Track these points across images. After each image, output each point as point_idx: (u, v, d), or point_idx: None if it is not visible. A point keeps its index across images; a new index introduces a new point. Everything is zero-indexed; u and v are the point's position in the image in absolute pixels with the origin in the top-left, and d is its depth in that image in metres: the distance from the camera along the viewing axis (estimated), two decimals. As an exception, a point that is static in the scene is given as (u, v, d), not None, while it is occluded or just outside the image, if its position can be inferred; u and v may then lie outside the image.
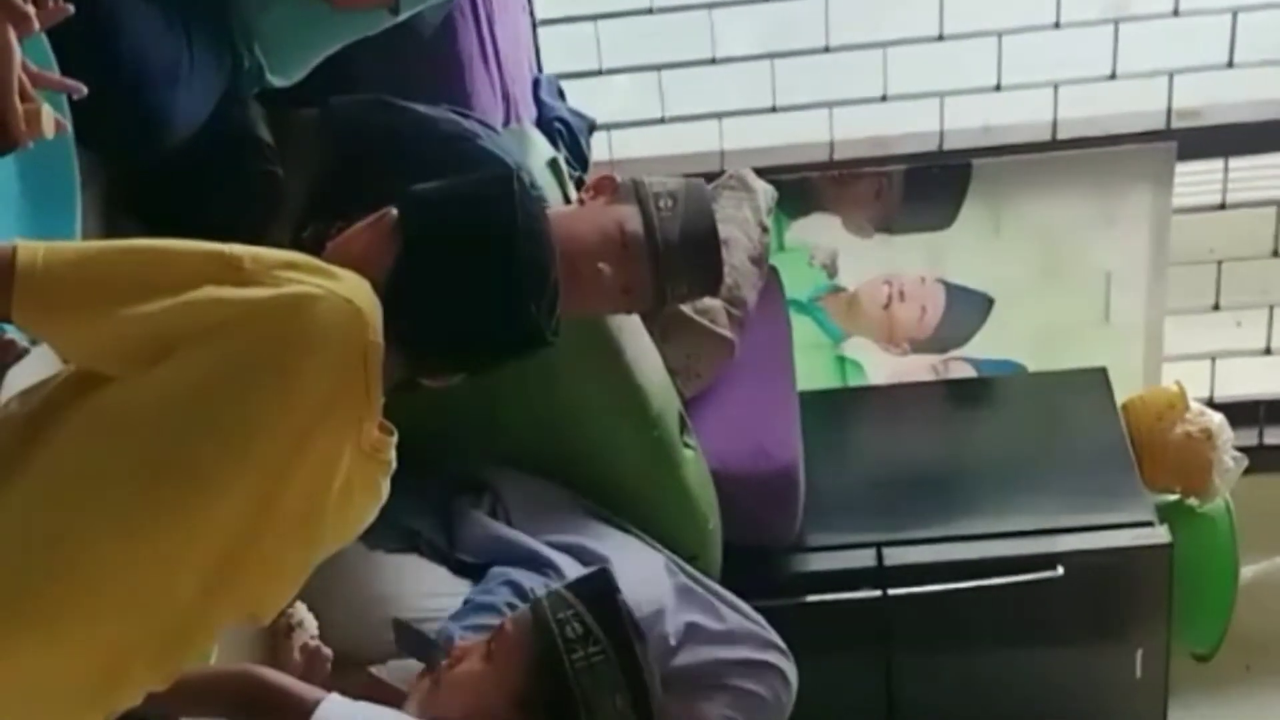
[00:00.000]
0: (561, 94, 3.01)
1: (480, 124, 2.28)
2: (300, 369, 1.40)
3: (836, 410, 3.32)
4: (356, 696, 1.80)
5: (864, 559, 2.85)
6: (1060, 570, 2.80)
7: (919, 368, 3.44)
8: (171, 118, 1.87)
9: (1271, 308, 3.44)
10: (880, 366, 3.44)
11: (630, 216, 2.16)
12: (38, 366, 1.58)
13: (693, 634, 2.36)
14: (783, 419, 2.85)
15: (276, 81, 2.07)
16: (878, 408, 3.38)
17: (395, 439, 1.53)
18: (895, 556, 2.85)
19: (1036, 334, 3.40)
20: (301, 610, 2.05)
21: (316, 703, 1.71)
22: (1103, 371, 3.27)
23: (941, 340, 3.42)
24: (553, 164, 2.51)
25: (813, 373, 3.33)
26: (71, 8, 1.43)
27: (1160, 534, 2.87)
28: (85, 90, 1.45)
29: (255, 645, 1.99)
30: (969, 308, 3.39)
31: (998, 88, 3.25)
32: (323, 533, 1.51)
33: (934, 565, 2.82)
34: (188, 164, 1.95)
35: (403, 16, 2.10)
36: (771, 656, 2.40)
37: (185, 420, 1.37)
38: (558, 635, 1.84)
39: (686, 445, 2.55)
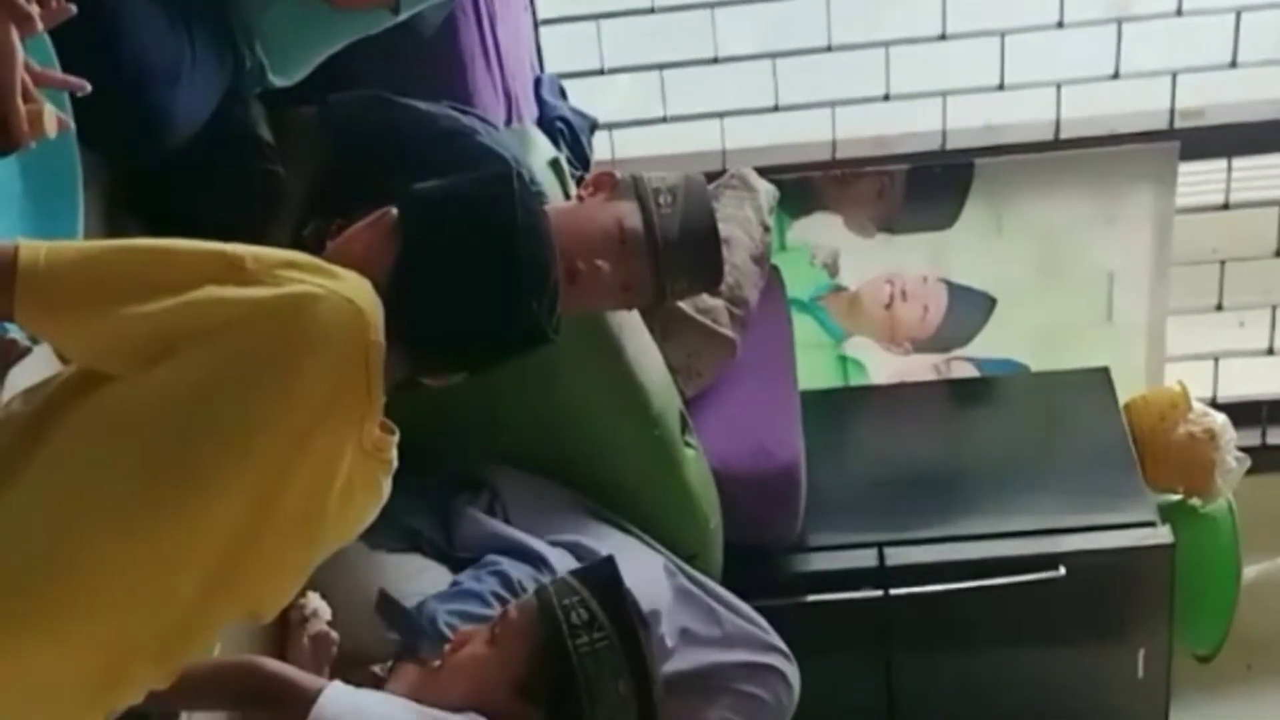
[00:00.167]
0: (563, 93, 3.01)
1: (479, 120, 2.27)
2: (301, 368, 1.40)
3: (838, 410, 3.32)
4: (357, 693, 1.80)
5: (865, 559, 2.85)
6: (1062, 570, 2.80)
7: (921, 367, 3.44)
8: (173, 117, 1.88)
9: (1274, 308, 3.44)
10: (882, 366, 3.44)
11: (629, 213, 2.16)
12: (40, 366, 1.58)
13: (690, 637, 2.36)
14: (784, 418, 2.85)
15: (278, 81, 2.07)
16: (879, 407, 3.38)
17: (397, 438, 1.53)
18: (897, 556, 2.85)
19: (1038, 334, 3.40)
20: (315, 600, 2.05)
21: (319, 691, 1.72)
22: (1105, 371, 3.27)
23: (943, 340, 3.42)
24: (554, 163, 2.51)
25: (814, 372, 3.33)
26: (74, 7, 1.43)
27: (1162, 534, 2.87)
28: (88, 87, 1.45)
29: (265, 633, 1.99)
30: (971, 307, 3.38)
31: (1000, 87, 3.24)
32: (324, 532, 1.51)
33: (936, 565, 2.82)
34: (189, 163, 1.95)
35: (403, 16, 2.10)
36: (772, 659, 2.40)
37: (186, 420, 1.37)
38: (563, 620, 1.86)
39: (687, 444, 2.55)
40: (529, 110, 2.77)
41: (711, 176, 3.08)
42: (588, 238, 2.11)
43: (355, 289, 1.45)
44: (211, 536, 1.40)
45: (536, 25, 3.16)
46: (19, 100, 1.34)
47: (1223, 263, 3.36)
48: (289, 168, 2.10)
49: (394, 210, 1.57)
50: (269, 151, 2.09)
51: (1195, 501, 3.20)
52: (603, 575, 1.93)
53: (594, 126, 2.96)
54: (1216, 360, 3.44)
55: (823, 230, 3.34)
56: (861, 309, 3.41)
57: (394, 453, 1.54)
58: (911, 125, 3.30)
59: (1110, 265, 3.35)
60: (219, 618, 1.49)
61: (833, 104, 3.27)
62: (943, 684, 2.94)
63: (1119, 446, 3.09)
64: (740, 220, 2.94)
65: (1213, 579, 3.12)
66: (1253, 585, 3.23)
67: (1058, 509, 2.94)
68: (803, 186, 3.27)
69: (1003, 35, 3.19)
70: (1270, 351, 3.47)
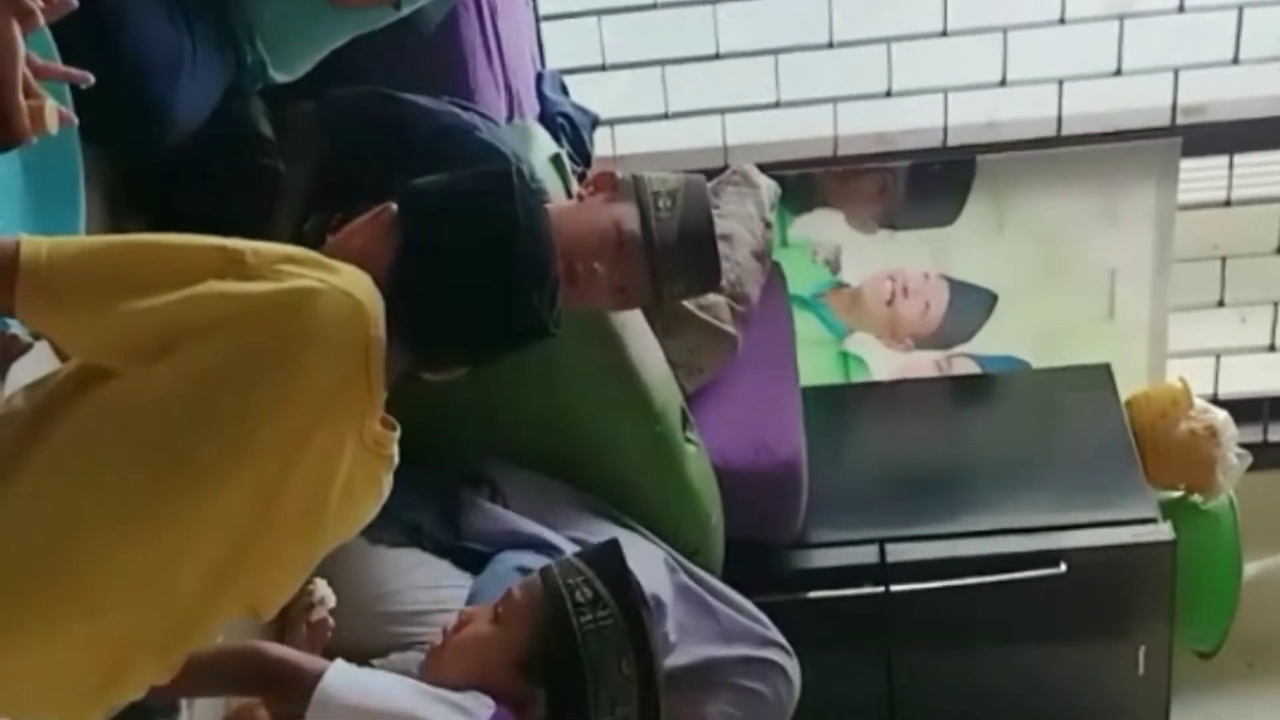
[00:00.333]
0: (564, 89, 3.01)
1: (480, 116, 2.27)
2: (302, 364, 1.40)
3: (839, 406, 3.32)
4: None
5: (866, 555, 2.85)
6: (1063, 567, 2.80)
7: (922, 364, 3.44)
8: (173, 112, 1.88)
9: (1276, 304, 3.44)
10: (883, 362, 3.44)
11: (628, 216, 2.15)
12: (41, 362, 1.58)
13: (689, 632, 2.36)
14: (785, 414, 2.85)
15: (279, 77, 2.07)
16: (881, 404, 3.38)
17: (398, 434, 1.53)
18: (898, 553, 2.85)
19: (1040, 330, 3.40)
20: (323, 587, 2.05)
21: (322, 672, 1.73)
22: (1106, 368, 3.27)
23: (945, 336, 3.42)
24: (556, 159, 2.51)
25: (816, 368, 3.32)
26: (75, 2, 1.42)
27: (1164, 531, 2.87)
28: (91, 79, 1.44)
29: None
30: (972, 304, 3.38)
31: (1002, 83, 3.24)
32: (325, 528, 1.51)
33: (937, 561, 2.82)
34: (190, 159, 1.95)
35: (405, 12, 2.10)
36: (772, 654, 2.40)
37: (187, 416, 1.38)
38: (567, 599, 1.86)
39: (689, 440, 2.55)
40: (530, 106, 2.77)
41: (713, 173, 3.08)
42: (585, 239, 2.11)
43: (356, 284, 1.45)
44: (212, 532, 1.41)
45: (538, 20, 3.15)
46: (20, 96, 1.34)
47: (1224, 259, 3.36)
48: (289, 163, 2.10)
49: (393, 205, 1.57)
50: (269, 147, 2.09)
51: (1196, 498, 3.20)
52: (607, 556, 1.95)
53: (595, 122, 2.96)
54: (1218, 357, 3.44)
55: (824, 227, 3.33)
56: (863, 305, 3.40)
57: (395, 449, 1.54)
58: (913, 122, 3.30)
59: (1112, 262, 3.35)
60: (220, 614, 1.49)
61: (834, 100, 3.27)
62: (943, 680, 2.94)
63: (1120, 443, 3.08)
64: (742, 216, 2.94)
65: (1214, 576, 3.12)
66: (1254, 582, 3.23)
67: (1059, 506, 2.94)
68: (804, 183, 3.27)
69: (1004, 31, 3.19)
70: (1272, 348, 3.46)
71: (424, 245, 1.54)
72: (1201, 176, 3.31)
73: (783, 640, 2.43)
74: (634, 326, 2.43)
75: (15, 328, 1.57)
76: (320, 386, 1.42)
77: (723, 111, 3.29)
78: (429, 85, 2.28)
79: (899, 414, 3.32)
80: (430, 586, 2.23)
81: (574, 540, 2.33)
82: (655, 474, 2.50)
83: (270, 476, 1.41)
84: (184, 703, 1.82)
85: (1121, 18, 3.18)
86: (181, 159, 1.94)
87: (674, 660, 2.28)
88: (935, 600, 2.80)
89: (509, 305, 1.56)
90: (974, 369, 3.43)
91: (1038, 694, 2.96)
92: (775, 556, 2.84)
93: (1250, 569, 3.20)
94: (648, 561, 2.37)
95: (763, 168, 3.07)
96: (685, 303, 2.70)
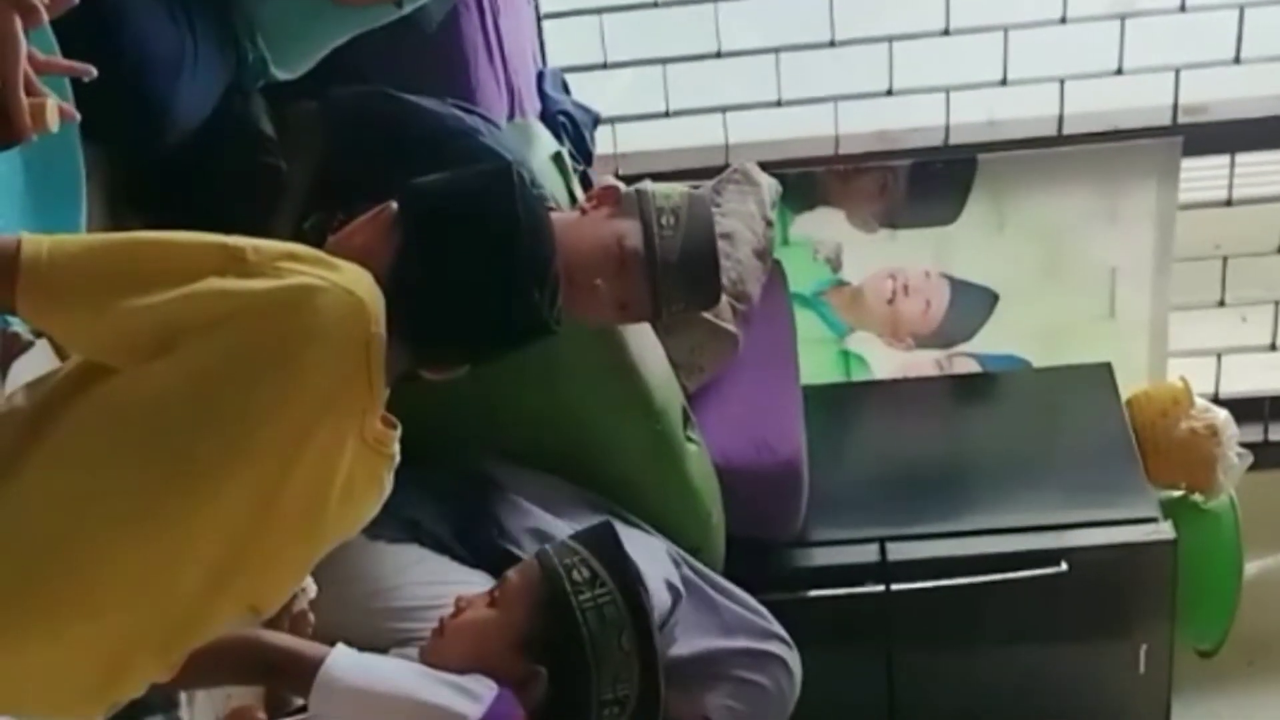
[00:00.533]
0: (566, 87, 3.01)
1: (483, 119, 2.27)
2: (302, 361, 1.40)
3: (840, 405, 3.32)
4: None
5: (867, 554, 2.85)
6: (1064, 566, 2.80)
7: (923, 363, 3.44)
8: (174, 109, 1.88)
9: (1277, 304, 3.44)
10: (884, 361, 3.44)
11: (631, 232, 2.15)
12: (42, 360, 1.58)
13: (691, 625, 2.36)
14: (786, 413, 2.85)
15: (280, 75, 2.07)
16: (881, 403, 3.38)
17: (399, 432, 1.53)
18: (899, 551, 2.85)
19: (1041, 329, 3.40)
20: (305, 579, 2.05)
21: (322, 658, 1.73)
22: (1107, 367, 3.27)
23: (946, 335, 3.42)
24: (557, 158, 2.51)
25: (817, 367, 3.32)
26: (75, -1, 1.42)
27: (1164, 530, 2.87)
28: (94, 71, 1.44)
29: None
30: (973, 303, 3.38)
31: (1003, 82, 3.24)
32: (325, 526, 1.51)
33: (937, 560, 2.82)
34: (191, 157, 1.95)
35: (406, 10, 2.10)
36: (773, 646, 2.40)
37: (187, 414, 1.38)
38: (565, 578, 1.88)
39: (689, 439, 2.55)
40: (532, 104, 2.77)
41: (714, 171, 3.08)
42: (587, 253, 2.11)
43: (357, 281, 1.45)
44: (213, 531, 1.41)
45: (539, 19, 3.15)
46: (22, 93, 1.34)
47: (1225, 259, 3.36)
48: (290, 162, 2.10)
49: (394, 204, 1.57)
50: (270, 145, 2.09)
51: (1197, 497, 3.20)
52: (602, 536, 1.96)
53: (597, 121, 2.96)
54: (1219, 356, 3.44)
55: (825, 225, 3.33)
56: (864, 304, 3.40)
57: (396, 447, 1.54)
58: (914, 120, 3.30)
59: (1113, 261, 3.34)
60: (220, 613, 1.49)
61: (836, 99, 3.27)
62: (944, 680, 2.93)
63: (1121, 442, 3.08)
64: (743, 215, 2.94)
65: (1214, 575, 3.12)
66: (1254, 581, 3.23)
67: (1059, 505, 2.94)
68: (805, 181, 3.27)
69: (1006, 30, 3.19)
70: (1273, 347, 3.46)
71: (425, 243, 1.54)
72: (1202, 176, 3.31)
73: (783, 633, 2.42)
74: (635, 325, 2.43)
75: (16, 325, 1.57)
76: (321, 384, 1.41)
77: (724, 110, 3.29)
78: (430, 83, 2.28)
79: (900, 413, 3.32)
80: (429, 582, 2.23)
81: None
82: (656, 473, 2.50)
83: (271, 475, 1.41)
84: (183, 697, 1.82)
85: (1123, 17, 3.18)
86: (182, 157, 1.94)
87: (675, 652, 2.28)
88: (936, 599, 2.80)
89: (509, 303, 1.56)
90: (975, 368, 3.43)
91: (1038, 693, 2.96)
92: (776, 555, 2.84)
93: (1250, 568, 3.20)
94: (654, 555, 2.37)
95: (764, 166, 3.07)
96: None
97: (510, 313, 1.56)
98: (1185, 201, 3.29)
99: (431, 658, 1.87)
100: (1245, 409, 3.35)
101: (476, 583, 2.16)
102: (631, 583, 1.89)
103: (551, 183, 2.42)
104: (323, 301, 1.41)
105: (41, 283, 1.34)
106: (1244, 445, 3.19)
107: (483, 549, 2.29)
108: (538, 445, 2.45)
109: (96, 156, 1.76)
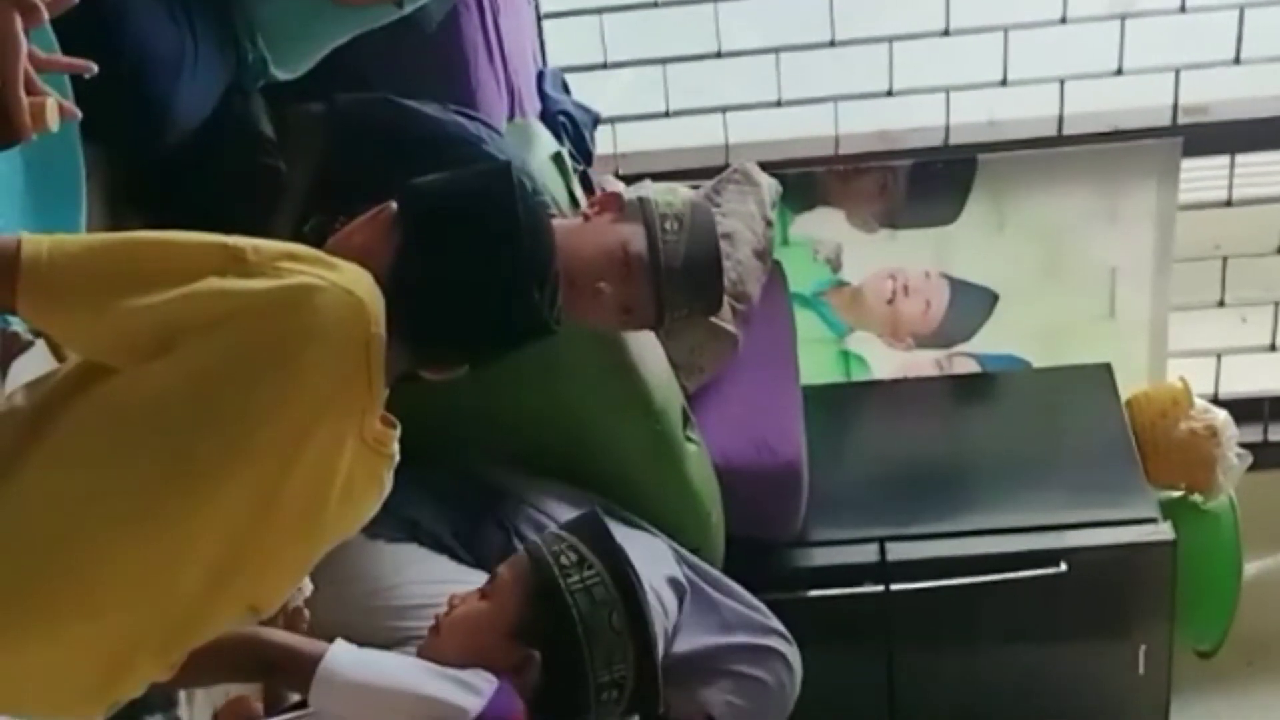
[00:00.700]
0: (566, 87, 3.01)
1: (485, 126, 2.27)
2: (302, 361, 1.40)
3: (840, 405, 3.32)
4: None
5: (867, 554, 2.85)
6: (1064, 566, 2.80)
7: (923, 363, 3.44)
8: (174, 109, 1.88)
9: (1277, 304, 3.44)
10: (884, 361, 3.44)
11: (634, 237, 2.16)
12: (42, 360, 1.58)
13: (691, 622, 2.36)
14: (786, 413, 2.85)
15: (281, 75, 2.07)
16: (881, 403, 3.38)
17: (398, 432, 1.53)
18: (898, 552, 2.85)
19: (1041, 329, 3.40)
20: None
21: (321, 653, 1.73)
22: (1107, 367, 3.27)
23: (946, 335, 3.42)
24: (557, 158, 2.51)
25: (816, 367, 3.32)
26: (75, -3, 1.42)
27: (1164, 530, 2.87)
28: (95, 68, 1.44)
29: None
30: (973, 303, 3.38)
31: (1003, 83, 3.24)
32: (325, 526, 1.51)
33: (937, 560, 2.82)
34: (191, 157, 1.95)
35: (407, 10, 2.10)
36: (773, 641, 2.40)
37: (187, 414, 1.37)
38: (553, 564, 1.91)
39: (689, 439, 2.55)
40: (532, 104, 2.77)
41: (714, 171, 3.08)
42: (591, 259, 2.12)
43: (357, 281, 1.45)
44: (213, 531, 1.40)
45: (539, 19, 3.15)
46: (22, 92, 1.34)
47: (1225, 259, 3.36)
48: (290, 163, 2.10)
49: (393, 203, 1.57)
50: (270, 146, 2.09)
51: (1197, 498, 3.20)
52: (588, 522, 2.00)
53: (597, 121, 2.96)
54: (1219, 356, 3.44)
55: (825, 225, 3.33)
56: (864, 304, 3.40)
57: (395, 447, 1.54)
58: (914, 120, 3.30)
59: (1112, 261, 3.35)
60: (220, 612, 1.49)
61: (836, 99, 3.27)
62: (943, 679, 2.94)
63: (1121, 443, 3.08)
64: (743, 215, 2.94)
65: (1214, 576, 3.12)
66: (1254, 582, 3.23)
67: (1059, 505, 2.94)
68: (805, 181, 3.27)
69: (1006, 31, 3.19)
70: (1272, 348, 3.46)
71: (424, 243, 1.54)
72: (1202, 176, 3.31)
73: (782, 628, 2.42)
74: (635, 326, 2.43)
75: (16, 325, 1.57)
76: (320, 384, 1.41)
77: (724, 110, 3.29)
78: (430, 83, 2.28)
79: (900, 413, 3.32)
80: (428, 582, 2.23)
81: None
82: (656, 473, 2.50)
83: (270, 475, 1.41)
84: (182, 695, 1.83)
85: (1123, 17, 3.18)
86: (182, 157, 1.94)
87: (675, 650, 2.29)
88: (935, 599, 2.80)
89: (509, 303, 1.56)
90: (974, 368, 3.43)
91: (1037, 693, 2.96)
92: (776, 555, 2.84)
93: (1250, 569, 3.20)
94: (658, 554, 2.38)
95: (764, 166, 3.07)
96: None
97: (510, 313, 1.56)
98: (1185, 202, 3.29)
99: (429, 655, 1.88)
100: (1245, 409, 3.35)
101: (475, 582, 2.15)
102: (620, 564, 1.92)
103: (551, 183, 2.42)
104: (322, 301, 1.41)
105: (42, 283, 1.34)
106: (1243, 446, 3.19)
107: (482, 549, 2.30)
108: (537, 445, 2.45)
109: (96, 156, 1.76)
